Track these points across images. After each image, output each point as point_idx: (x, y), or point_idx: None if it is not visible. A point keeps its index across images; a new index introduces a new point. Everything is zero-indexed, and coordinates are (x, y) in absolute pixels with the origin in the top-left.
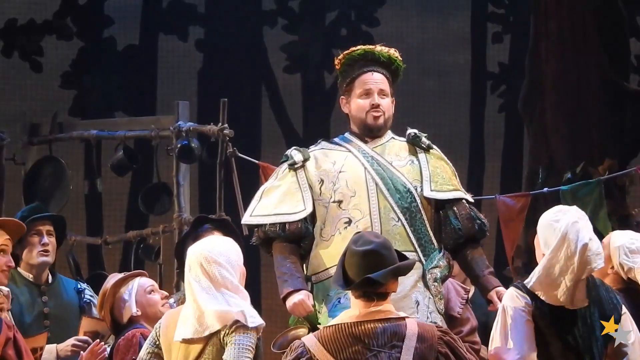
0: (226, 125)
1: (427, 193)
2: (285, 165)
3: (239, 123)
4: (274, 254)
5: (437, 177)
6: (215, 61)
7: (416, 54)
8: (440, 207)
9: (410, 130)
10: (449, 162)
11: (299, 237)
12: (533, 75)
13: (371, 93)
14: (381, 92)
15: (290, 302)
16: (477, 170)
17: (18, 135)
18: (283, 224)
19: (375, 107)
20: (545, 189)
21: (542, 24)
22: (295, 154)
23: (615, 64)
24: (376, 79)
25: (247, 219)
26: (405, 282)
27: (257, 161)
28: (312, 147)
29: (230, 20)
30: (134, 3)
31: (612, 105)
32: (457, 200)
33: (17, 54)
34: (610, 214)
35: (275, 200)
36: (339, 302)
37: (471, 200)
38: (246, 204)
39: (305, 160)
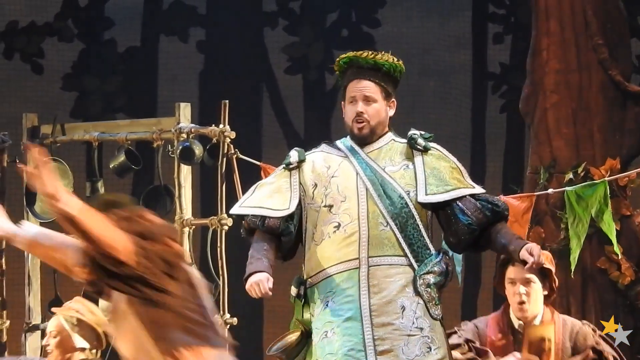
0: (227, 126)
1: (422, 199)
2: (282, 165)
3: (240, 124)
4: (252, 240)
5: (434, 179)
6: (216, 63)
7: (417, 54)
8: (443, 207)
9: (411, 132)
10: (451, 158)
11: (277, 234)
12: (534, 75)
13: (355, 101)
14: (366, 99)
15: (248, 282)
16: (479, 171)
17: (19, 137)
18: (263, 218)
19: (359, 115)
20: (550, 190)
21: (543, 24)
22: (292, 154)
23: (617, 64)
24: (361, 86)
25: (235, 209)
26: (391, 287)
27: (258, 162)
28: (313, 150)
29: (231, 22)
30: (134, 5)
31: (614, 106)
32: (461, 197)
33: (18, 56)
34: (612, 215)
35: (264, 195)
36: (327, 305)
37: (479, 191)
38: None
39: (301, 161)
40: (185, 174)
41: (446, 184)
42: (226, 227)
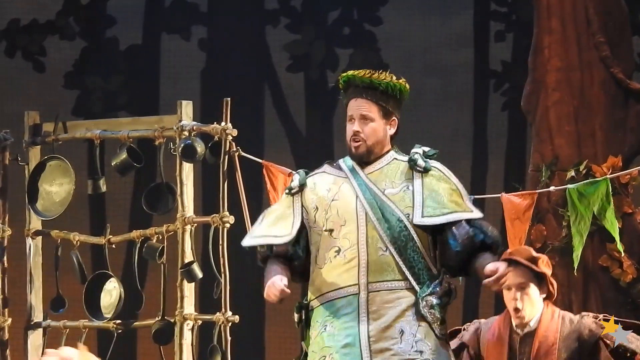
0: (229, 124)
1: (417, 220)
2: (285, 191)
3: (242, 122)
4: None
5: (431, 201)
6: (218, 60)
7: (419, 52)
8: (438, 231)
9: (413, 151)
10: (452, 179)
11: (288, 258)
12: (536, 73)
13: (352, 120)
14: (363, 118)
15: (265, 290)
16: (481, 169)
17: (21, 136)
18: (271, 246)
19: (355, 134)
20: (552, 188)
21: (545, 22)
22: (294, 178)
23: (618, 62)
24: (358, 105)
25: (246, 240)
26: (390, 313)
27: (260, 160)
28: (316, 171)
29: (233, 20)
30: (136, 3)
31: (615, 104)
32: (456, 222)
33: (19, 54)
34: (615, 212)
35: (270, 223)
36: (325, 329)
37: (476, 216)
38: (250, 202)
39: (302, 185)
40: (187, 171)
41: (443, 207)
42: (228, 225)
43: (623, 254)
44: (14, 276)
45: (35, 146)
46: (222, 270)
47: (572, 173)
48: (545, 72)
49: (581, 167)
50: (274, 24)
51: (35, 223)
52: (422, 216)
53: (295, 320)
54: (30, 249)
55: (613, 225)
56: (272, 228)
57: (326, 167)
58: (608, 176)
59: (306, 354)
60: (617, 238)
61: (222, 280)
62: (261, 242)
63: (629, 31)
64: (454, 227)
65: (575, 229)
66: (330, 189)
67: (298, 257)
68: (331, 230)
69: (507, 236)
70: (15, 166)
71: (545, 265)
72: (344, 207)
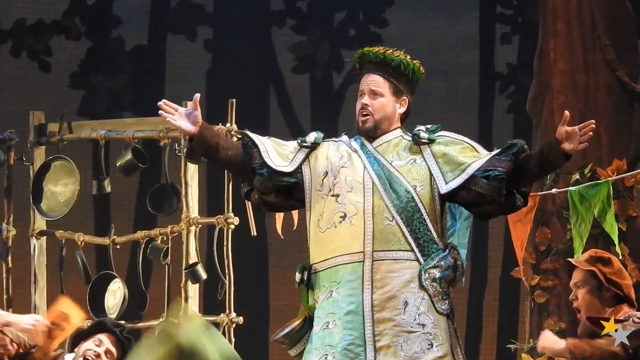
0: (234, 125)
1: (444, 190)
2: (298, 139)
3: (247, 123)
4: None
5: (447, 166)
6: (223, 61)
7: (424, 54)
8: (466, 185)
9: (416, 129)
10: (460, 139)
11: (248, 163)
12: (541, 76)
13: (362, 94)
14: (372, 93)
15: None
16: None
17: (26, 135)
18: (254, 144)
19: (363, 107)
20: (554, 190)
21: (551, 25)
22: (311, 134)
23: (623, 65)
24: (369, 80)
25: (251, 133)
26: (394, 282)
27: None
28: (333, 138)
29: (239, 21)
30: (142, 3)
31: (620, 107)
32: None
33: (25, 54)
34: (618, 216)
35: (271, 145)
36: (331, 295)
37: (495, 152)
38: None
39: (315, 144)
40: (192, 172)
41: (460, 164)
42: (232, 226)
43: (626, 257)
44: (19, 276)
45: (40, 146)
46: (226, 271)
47: (576, 176)
48: (550, 74)
49: (586, 170)
50: (280, 25)
51: (40, 223)
52: (446, 183)
53: (297, 280)
54: (34, 249)
55: (613, 228)
56: (270, 147)
57: (344, 137)
58: (610, 179)
59: (308, 319)
60: (616, 241)
61: (227, 282)
62: (258, 145)
63: (634, 34)
64: (482, 168)
65: (576, 231)
66: (342, 157)
67: (257, 173)
68: (337, 196)
69: (512, 238)
70: (20, 166)
71: (606, 266)
72: (352, 175)
